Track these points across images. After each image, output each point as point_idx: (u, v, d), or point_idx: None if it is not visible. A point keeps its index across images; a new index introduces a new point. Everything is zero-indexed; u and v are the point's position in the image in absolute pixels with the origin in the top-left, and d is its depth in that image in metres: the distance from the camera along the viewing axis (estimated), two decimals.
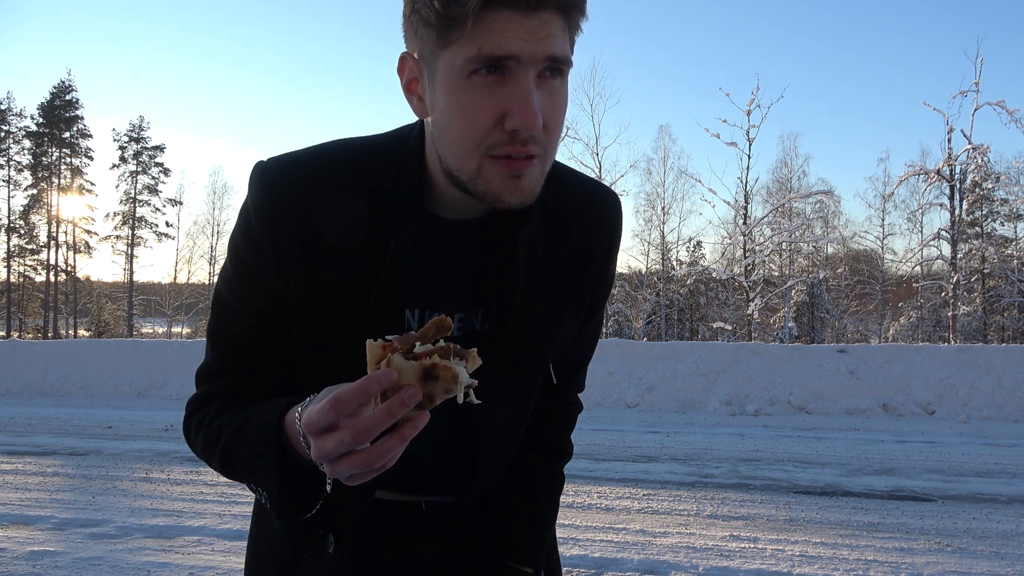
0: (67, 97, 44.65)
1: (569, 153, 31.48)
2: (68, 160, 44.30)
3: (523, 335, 1.08)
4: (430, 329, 0.81)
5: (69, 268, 44.17)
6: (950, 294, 28.88)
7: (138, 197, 45.06)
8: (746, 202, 28.71)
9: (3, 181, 43.01)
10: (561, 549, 1.32)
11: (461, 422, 1.06)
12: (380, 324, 0.99)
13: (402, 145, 1.04)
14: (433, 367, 0.76)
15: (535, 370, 1.13)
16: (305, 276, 1.01)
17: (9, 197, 43.09)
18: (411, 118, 1.04)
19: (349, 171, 1.03)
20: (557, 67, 0.89)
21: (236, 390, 1.07)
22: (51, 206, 43.87)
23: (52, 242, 43.60)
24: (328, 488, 0.91)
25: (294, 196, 1.01)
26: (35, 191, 43.66)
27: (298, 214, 1.01)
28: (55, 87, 44.68)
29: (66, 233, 44.29)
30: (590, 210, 1.15)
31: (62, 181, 44.08)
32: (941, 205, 29.61)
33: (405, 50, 0.95)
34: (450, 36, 0.86)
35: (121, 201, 45.12)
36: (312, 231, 1.01)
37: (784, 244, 33.10)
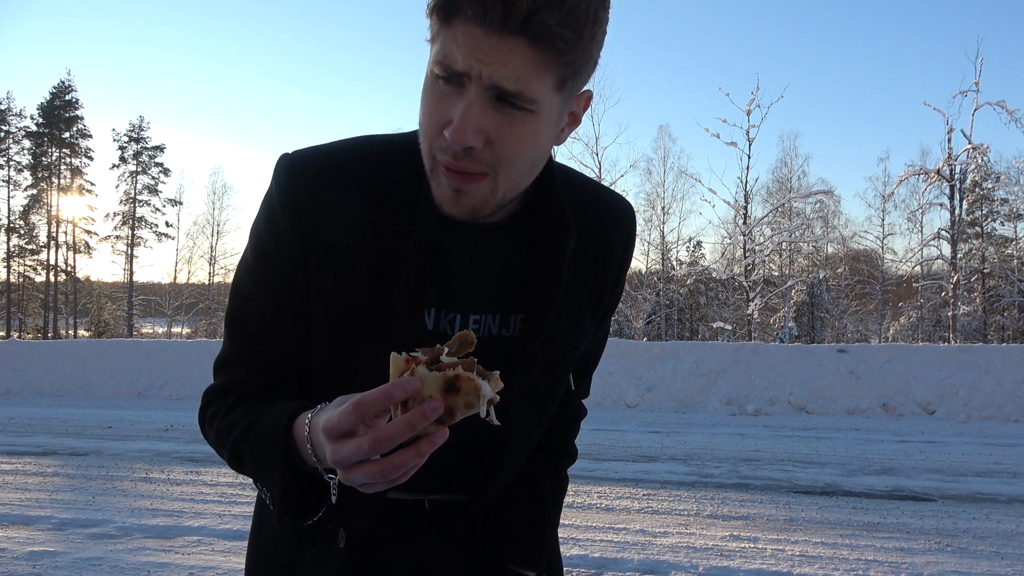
0: (67, 97, 44.65)
1: (569, 153, 31.53)
2: (68, 160, 44.30)
3: (552, 344, 1.08)
4: (453, 344, 0.81)
5: (69, 268, 44.17)
6: (950, 294, 28.90)
7: (138, 197, 45.06)
8: (746, 202, 28.76)
9: (3, 181, 43.03)
10: (561, 549, 1.32)
11: (471, 423, 1.07)
12: (401, 322, 1.00)
13: None
14: (456, 378, 0.76)
15: (561, 375, 1.13)
16: (326, 270, 1.02)
17: (9, 197, 43.13)
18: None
19: (374, 167, 1.04)
20: (507, 99, 0.87)
21: (254, 381, 1.06)
22: (51, 206, 43.89)
23: (52, 242, 43.61)
24: (333, 499, 0.91)
25: (319, 189, 1.02)
26: (35, 191, 43.65)
27: (322, 207, 1.01)
28: (55, 87, 44.72)
29: (66, 233, 44.33)
30: (608, 218, 1.16)
31: (62, 181, 44.09)
32: (941, 205, 29.65)
33: None
34: (433, 38, 0.89)
35: (121, 201, 45.15)
36: (335, 225, 1.01)
37: (784, 244, 33.11)
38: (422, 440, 0.77)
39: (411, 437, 0.76)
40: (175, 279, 47.84)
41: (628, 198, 1.25)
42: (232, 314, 1.09)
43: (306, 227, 1.01)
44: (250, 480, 1.04)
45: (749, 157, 27.66)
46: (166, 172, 45.95)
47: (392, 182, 1.03)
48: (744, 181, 28.27)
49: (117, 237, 44.77)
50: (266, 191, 1.05)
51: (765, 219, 32.65)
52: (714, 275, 31.08)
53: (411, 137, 1.06)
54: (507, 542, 1.19)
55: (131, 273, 44.36)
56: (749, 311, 27.01)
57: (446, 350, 0.80)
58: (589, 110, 1.05)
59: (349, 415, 0.77)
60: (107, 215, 45.40)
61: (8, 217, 43.05)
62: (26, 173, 43.65)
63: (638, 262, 41.27)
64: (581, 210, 1.10)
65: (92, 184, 45.02)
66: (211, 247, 45.74)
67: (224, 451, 1.05)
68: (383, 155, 1.05)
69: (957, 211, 29.03)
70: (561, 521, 1.31)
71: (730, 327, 31.10)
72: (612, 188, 1.24)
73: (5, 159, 43.16)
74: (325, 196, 1.02)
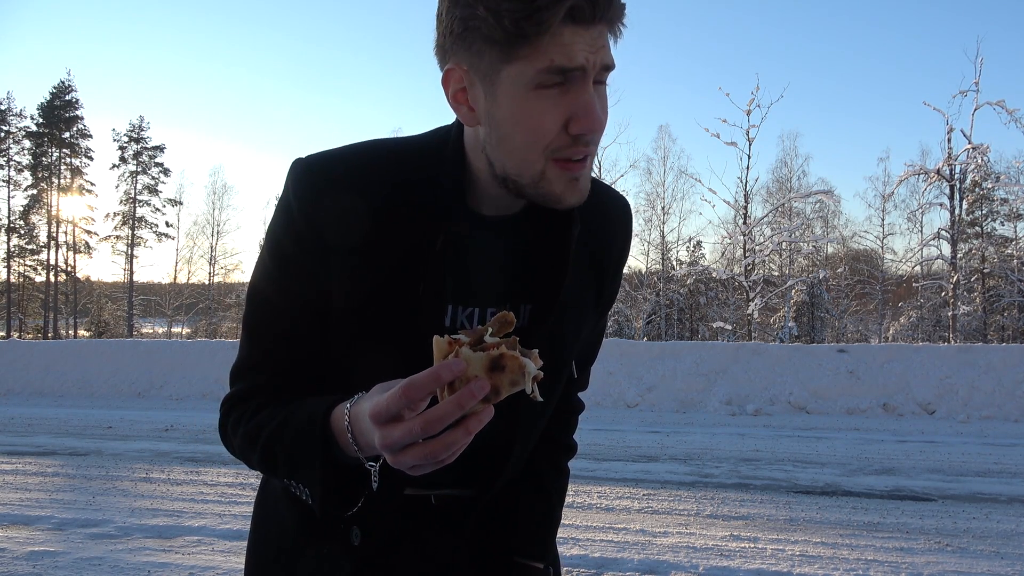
0: (67, 97, 44.64)
1: None
2: (68, 160, 44.30)
3: (558, 331, 1.11)
4: (494, 324, 0.83)
5: (69, 268, 44.16)
6: (950, 294, 28.88)
7: (138, 197, 45.06)
8: (746, 202, 28.73)
9: (3, 181, 43.03)
10: (561, 549, 1.34)
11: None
12: (426, 318, 1.02)
13: (441, 146, 1.07)
14: (501, 357, 0.78)
15: (565, 365, 1.16)
16: (346, 270, 1.03)
17: (9, 197, 43.12)
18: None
19: (391, 169, 1.05)
20: (608, 74, 0.96)
21: (275, 386, 1.07)
22: (51, 206, 43.88)
23: (52, 242, 43.60)
24: (375, 485, 0.93)
25: (336, 191, 1.03)
26: (35, 191, 43.65)
27: (340, 208, 1.03)
28: (55, 87, 44.71)
29: (66, 233, 44.32)
30: (608, 214, 1.19)
31: (62, 181, 44.08)
32: (941, 205, 29.63)
33: (449, 64, 0.97)
34: (517, 52, 0.91)
35: (121, 201, 45.15)
36: (353, 226, 1.03)
37: (784, 244, 33.10)
38: (470, 419, 0.79)
39: (459, 416, 0.79)
40: (175, 279, 47.88)
41: (628, 198, 1.29)
42: (250, 319, 1.10)
43: (326, 228, 1.03)
44: (251, 480, 1.04)
45: (749, 157, 27.64)
46: (166, 172, 45.98)
47: (409, 183, 1.04)
48: (744, 181, 28.26)
49: (117, 237, 44.80)
50: (281, 195, 1.07)
51: (765, 219, 32.63)
52: (714, 275, 31.04)
53: (425, 140, 1.08)
54: (514, 535, 1.21)
55: (131, 273, 44.36)
56: (749, 311, 27.00)
57: (489, 330, 0.82)
58: None
59: (399, 398, 0.79)
60: (107, 215, 45.46)
61: (8, 217, 43.08)
62: (26, 173, 43.67)
63: (638, 262, 41.36)
64: (582, 205, 1.11)
65: (92, 184, 45.06)
66: (211, 247, 45.80)
67: (253, 454, 1.05)
68: (398, 157, 1.07)
69: (957, 211, 29.01)
70: (561, 520, 1.32)
71: (730, 327, 31.08)
72: (609, 185, 1.28)
73: (5, 159, 43.17)
74: (343, 197, 1.03)
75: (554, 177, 0.97)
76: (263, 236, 1.10)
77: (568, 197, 0.99)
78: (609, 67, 0.95)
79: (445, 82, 0.99)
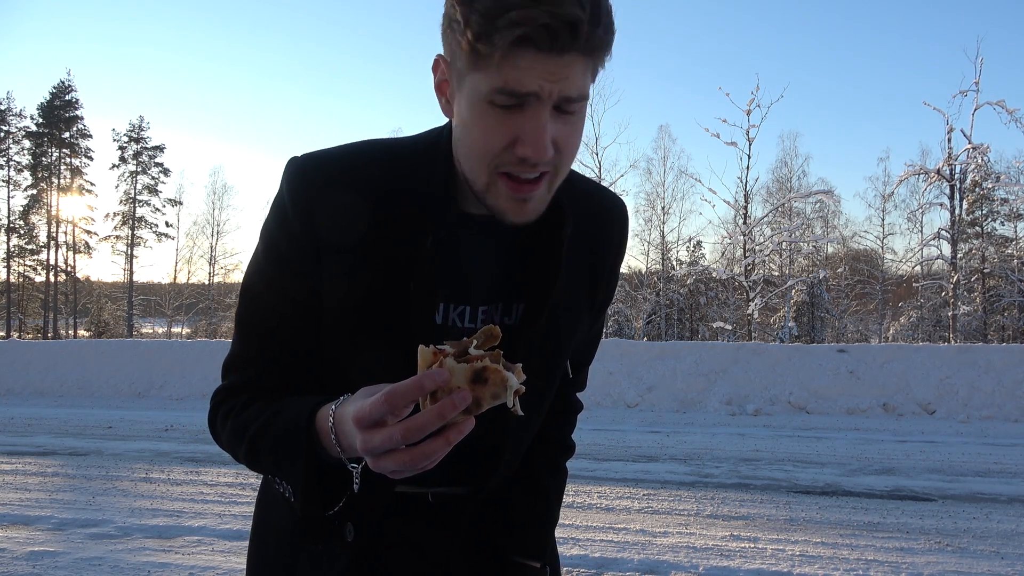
0: (67, 97, 44.64)
1: None
2: (68, 160, 44.30)
3: (551, 330, 1.11)
4: (479, 337, 0.84)
5: (69, 268, 44.16)
6: (950, 294, 28.88)
7: (138, 197, 45.05)
8: (746, 202, 28.71)
9: (3, 181, 43.03)
10: (561, 549, 1.34)
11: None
12: (418, 317, 1.03)
13: (433, 146, 1.07)
14: (484, 370, 0.79)
15: (558, 365, 1.16)
16: (339, 269, 1.04)
17: (9, 197, 43.12)
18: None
19: (384, 168, 1.06)
20: (573, 105, 0.94)
21: (266, 381, 1.08)
22: (51, 206, 43.88)
23: (52, 242, 43.60)
24: (356, 487, 0.93)
25: (331, 190, 1.04)
26: (35, 191, 43.65)
27: (334, 208, 1.04)
28: (55, 87, 44.72)
29: (66, 233, 44.32)
30: (603, 215, 1.20)
31: (62, 181, 44.08)
32: (941, 205, 29.62)
33: (441, 52, 0.98)
34: (478, 63, 0.91)
35: (121, 201, 45.15)
36: (347, 225, 1.04)
37: (784, 244, 33.08)
38: (450, 429, 0.80)
39: (440, 426, 0.79)
40: (175, 279, 47.86)
41: (628, 198, 1.28)
42: (243, 315, 1.11)
43: (319, 227, 1.03)
44: (251, 480, 1.05)
45: (749, 157, 27.60)
46: (166, 172, 45.98)
47: (403, 183, 1.05)
48: (744, 181, 28.23)
49: (117, 237, 44.79)
50: (276, 194, 1.08)
51: (765, 219, 32.64)
52: (714, 275, 31.02)
53: (419, 140, 1.09)
54: (511, 534, 1.22)
55: (131, 273, 44.36)
56: (749, 311, 26.99)
57: (474, 342, 0.83)
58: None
59: (381, 405, 0.79)
60: (107, 215, 45.48)
61: (8, 217, 43.07)
62: (26, 173, 43.67)
63: (638, 262, 41.33)
64: (578, 207, 1.12)
65: (92, 184, 45.08)
66: (211, 247, 45.76)
67: (239, 449, 1.06)
68: (392, 157, 1.07)
69: (957, 211, 28.99)
70: (561, 521, 1.32)
71: (730, 327, 31.08)
72: (606, 187, 1.29)
73: (5, 159, 43.17)
74: (337, 197, 1.04)
75: (500, 193, 0.97)
76: (258, 233, 1.11)
77: (512, 216, 0.98)
78: (570, 99, 0.92)
79: (434, 69, 1.00)
